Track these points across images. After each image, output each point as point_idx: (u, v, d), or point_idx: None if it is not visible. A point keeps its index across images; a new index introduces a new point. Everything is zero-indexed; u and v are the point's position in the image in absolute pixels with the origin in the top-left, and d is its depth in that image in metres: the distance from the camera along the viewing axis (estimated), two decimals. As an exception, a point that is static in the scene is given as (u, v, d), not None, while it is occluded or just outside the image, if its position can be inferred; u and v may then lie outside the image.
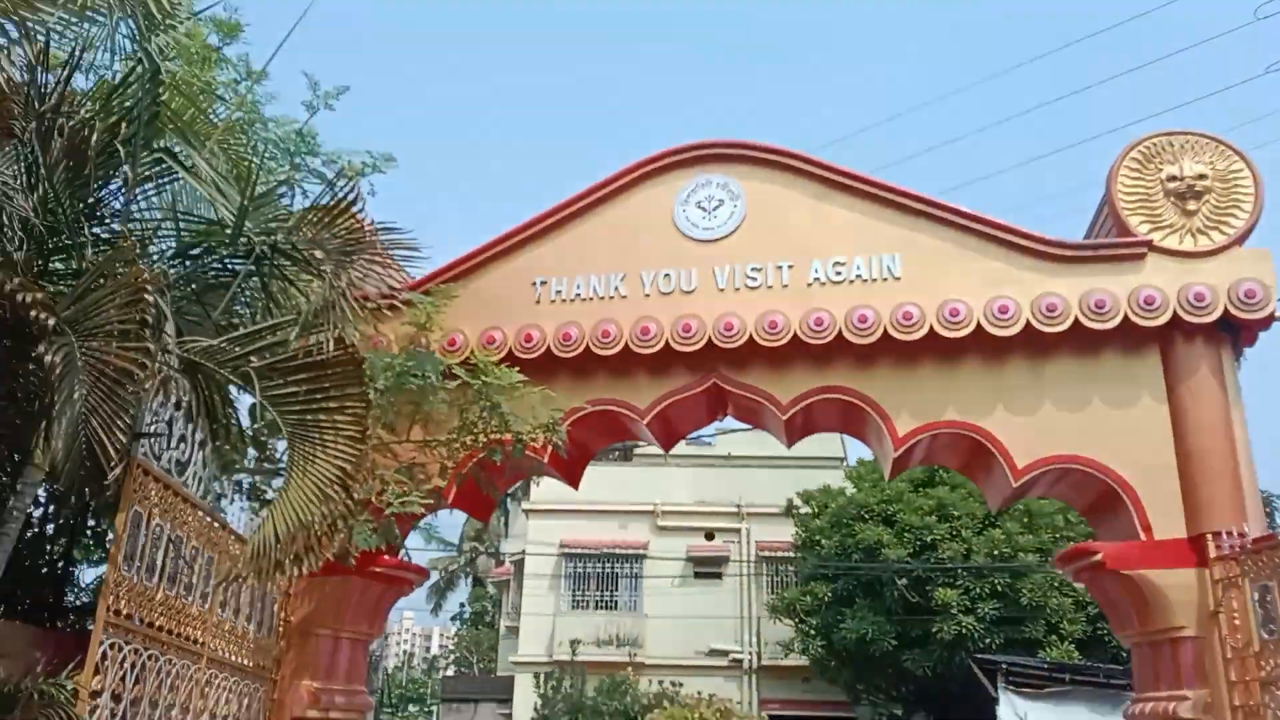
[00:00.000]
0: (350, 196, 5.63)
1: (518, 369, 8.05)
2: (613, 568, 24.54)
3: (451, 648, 57.87)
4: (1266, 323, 8.02)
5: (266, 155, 7.55)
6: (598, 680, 20.59)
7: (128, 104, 5.43)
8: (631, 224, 9.17)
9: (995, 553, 16.51)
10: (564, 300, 9.03)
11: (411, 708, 44.07)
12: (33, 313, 4.16)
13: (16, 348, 4.71)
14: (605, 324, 8.65)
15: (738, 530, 24.40)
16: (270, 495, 6.97)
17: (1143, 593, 7.52)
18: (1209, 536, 7.33)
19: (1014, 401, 8.17)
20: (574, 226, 9.32)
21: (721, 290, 8.75)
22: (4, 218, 4.46)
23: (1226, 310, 7.74)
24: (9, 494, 4.62)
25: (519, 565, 25.89)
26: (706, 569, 24.50)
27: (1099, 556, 7.76)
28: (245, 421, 5.98)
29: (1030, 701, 15.45)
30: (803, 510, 20.64)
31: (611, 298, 8.94)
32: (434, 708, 41.21)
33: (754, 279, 8.73)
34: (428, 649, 54.08)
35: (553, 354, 8.67)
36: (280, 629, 8.04)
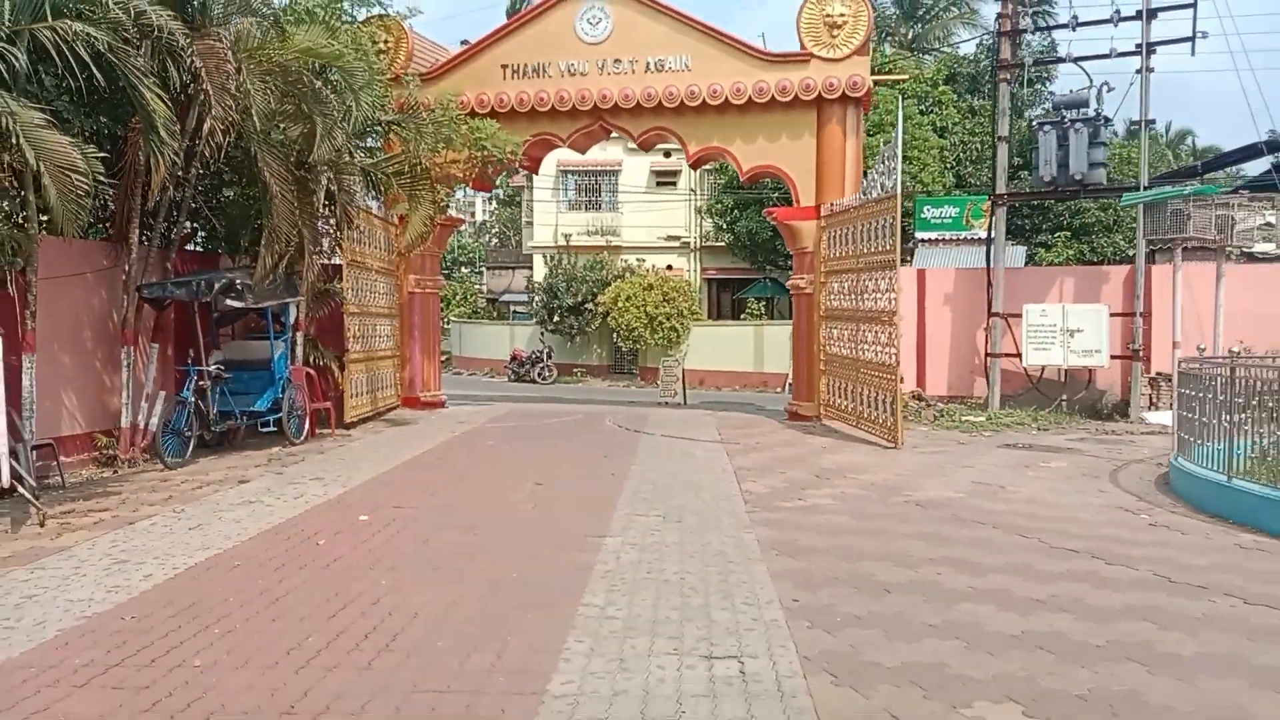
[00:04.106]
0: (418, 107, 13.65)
1: (496, 119, 16.17)
2: (596, 180, 33.39)
3: (493, 222, 68.09)
4: (867, 98, 15.80)
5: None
6: (586, 259, 30.32)
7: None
8: (554, 32, 16.54)
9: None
10: (519, 77, 16.70)
11: (464, 269, 53.36)
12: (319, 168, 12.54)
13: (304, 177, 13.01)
14: (541, 93, 16.46)
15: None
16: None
17: (793, 231, 16.14)
18: (821, 206, 15.77)
19: (745, 136, 16.13)
20: (522, 32, 16.74)
21: (602, 74, 16.38)
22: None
23: (844, 93, 15.43)
24: (314, 222, 13.19)
25: (530, 178, 34.61)
26: (665, 179, 33.25)
27: (776, 215, 16.43)
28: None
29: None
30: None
31: (544, 76, 16.63)
32: (481, 270, 51.29)
33: (617, 69, 16.34)
34: (472, 215, 62.85)
35: (514, 110, 16.56)
36: (398, 250, 16.90)
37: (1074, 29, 15.69)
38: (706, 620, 5.31)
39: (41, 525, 7.74)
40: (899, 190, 12.46)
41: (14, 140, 7.76)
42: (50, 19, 8.21)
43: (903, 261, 16.91)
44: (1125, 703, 4.16)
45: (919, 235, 23.61)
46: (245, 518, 8.02)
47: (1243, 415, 7.97)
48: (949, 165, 27.20)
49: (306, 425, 12.79)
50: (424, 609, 5.53)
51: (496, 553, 6.93)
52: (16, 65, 7.95)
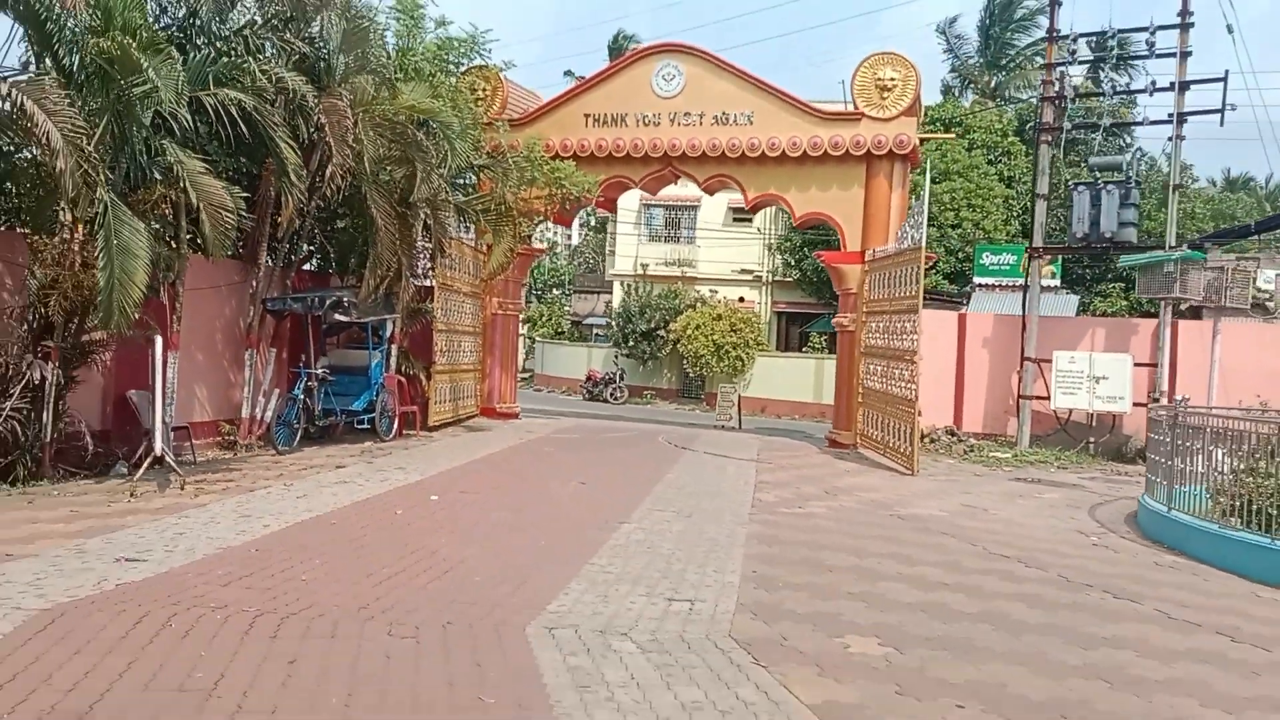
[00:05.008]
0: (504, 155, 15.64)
1: (576, 162, 18.10)
2: (677, 214, 35.26)
3: (585, 246, 70.85)
4: (913, 155, 17.22)
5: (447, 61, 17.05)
6: (661, 288, 32.14)
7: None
8: (632, 86, 18.47)
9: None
10: (599, 125, 18.64)
11: (555, 291, 55.40)
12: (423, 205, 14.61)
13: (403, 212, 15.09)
14: (618, 140, 18.36)
15: (764, 188, 34.26)
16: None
17: (840, 273, 17.64)
18: (866, 252, 17.22)
19: (799, 185, 17.76)
20: (604, 85, 18.70)
21: (673, 125, 18.20)
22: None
23: (891, 149, 16.91)
24: (412, 251, 15.26)
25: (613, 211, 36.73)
26: (741, 216, 34.84)
27: (824, 258, 17.94)
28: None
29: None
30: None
31: (621, 125, 18.53)
32: (570, 294, 53.51)
33: (687, 121, 18.13)
34: (569, 238, 65.44)
35: (594, 155, 18.50)
36: (482, 276, 18.96)
37: (1110, 97, 16.85)
38: (680, 579, 6.94)
39: (182, 488, 9.78)
40: (923, 242, 13.89)
41: (180, 183, 9.89)
42: (211, 87, 10.38)
43: (957, 305, 18.19)
44: (958, 644, 5.64)
45: (976, 280, 24.70)
46: (341, 492, 9.94)
47: (1178, 456, 9.20)
48: (1015, 214, 28.18)
49: (395, 425, 14.80)
50: (470, 558, 7.28)
51: (535, 528, 8.66)
52: (184, 122, 10.10)
